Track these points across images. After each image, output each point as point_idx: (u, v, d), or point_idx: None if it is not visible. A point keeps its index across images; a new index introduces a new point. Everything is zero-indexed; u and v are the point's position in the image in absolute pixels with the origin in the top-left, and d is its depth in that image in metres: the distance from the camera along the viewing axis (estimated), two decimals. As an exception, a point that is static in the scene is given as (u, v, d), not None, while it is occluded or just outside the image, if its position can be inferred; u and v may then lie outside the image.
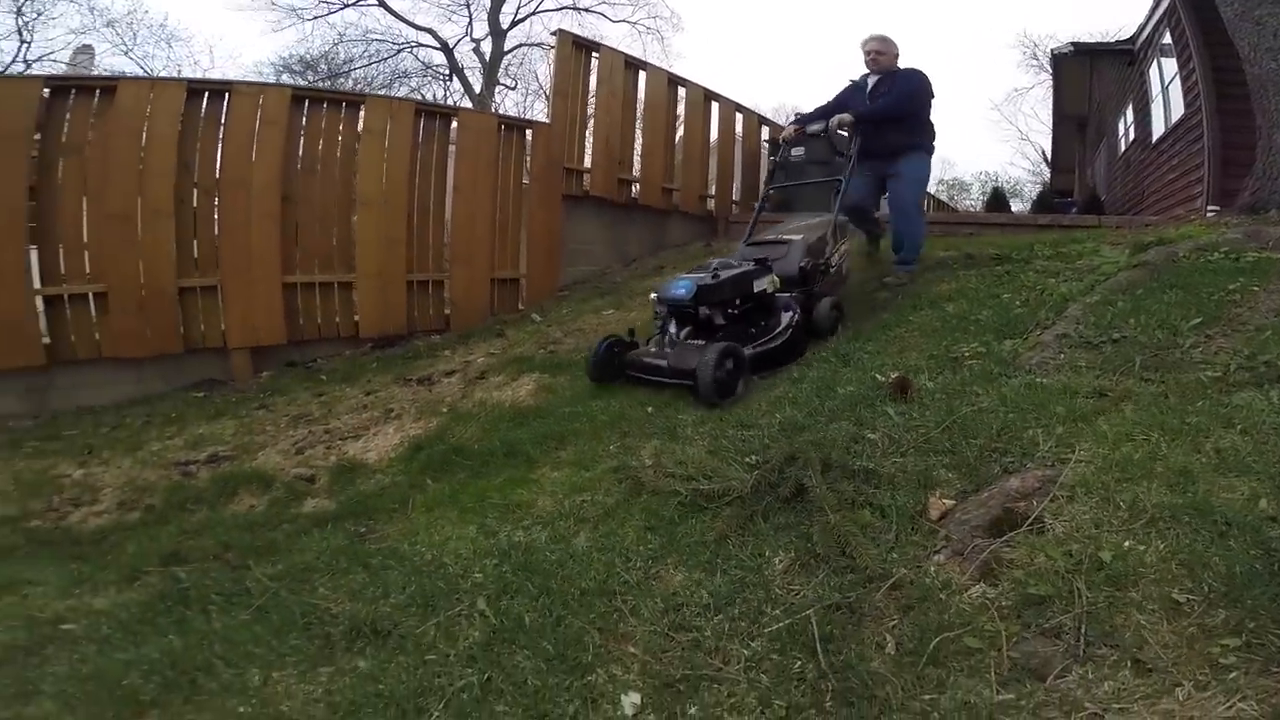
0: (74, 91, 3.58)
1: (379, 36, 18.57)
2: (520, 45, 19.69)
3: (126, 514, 2.36)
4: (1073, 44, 9.75)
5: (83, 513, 2.40)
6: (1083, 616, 1.10)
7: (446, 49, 18.84)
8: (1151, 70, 7.36)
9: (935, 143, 3.68)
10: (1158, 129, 7.10)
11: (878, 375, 2.09)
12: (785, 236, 3.24)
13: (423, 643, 1.37)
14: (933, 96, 3.56)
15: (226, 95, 3.82)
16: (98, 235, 3.54)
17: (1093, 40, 10.25)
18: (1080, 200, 11.13)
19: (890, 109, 3.42)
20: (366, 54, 18.88)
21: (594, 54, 5.33)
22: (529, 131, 5.00)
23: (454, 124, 4.62)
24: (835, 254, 3.23)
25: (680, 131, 6.33)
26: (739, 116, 6.56)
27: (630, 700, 1.18)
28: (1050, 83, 13.13)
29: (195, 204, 3.75)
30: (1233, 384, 1.67)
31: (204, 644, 1.44)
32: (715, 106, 6.18)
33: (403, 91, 18.24)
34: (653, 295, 2.86)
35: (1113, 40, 9.75)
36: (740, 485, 1.49)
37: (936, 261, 3.70)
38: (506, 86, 20.28)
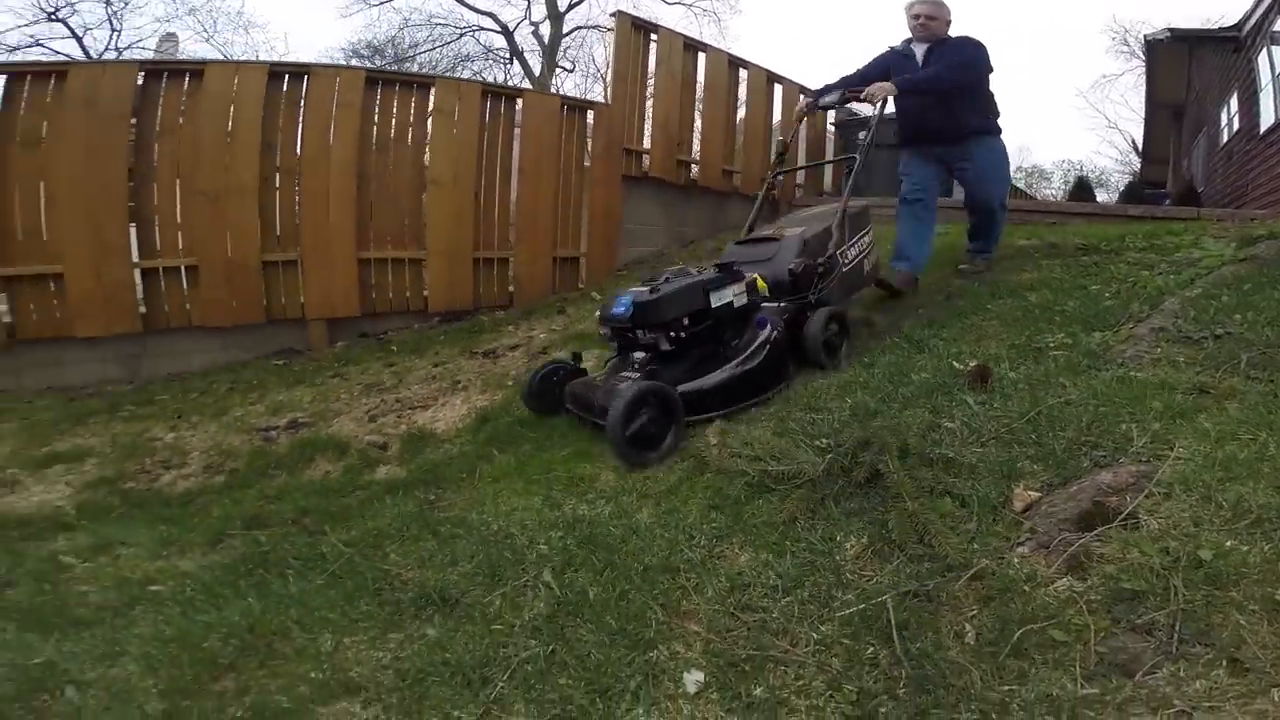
0: (166, 75, 3.75)
1: (442, 21, 18.92)
2: (578, 28, 19.72)
3: (212, 477, 2.50)
4: (1169, 30, 9.09)
5: (172, 475, 2.54)
6: (1177, 614, 1.03)
7: (507, 33, 19.07)
8: (1260, 58, 6.82)
9: (1001, 122, 3.23)
10: (1266, 120, 6.57)
11: (955, 363, 1.99)
12: (782, 231, 2.75)
13: (489, 612, 1.39)
14: (992, 70, 3.07)
15: (305, 78, 3.94)
16: (189, 213, 3.72)
17: (1189, 26, 9.52)
18: (1174, 192, 10.46)
19: (944, 78, 2.88)
20: (430, 39, 19.26)
21: (652, 36, 5.26)
22: (590, 112, 5.00)
23: (518, 105, 4.67)
24: (844, 250, 2.67)
25: (741, 114, 6.23)
26: (802, 98, 6.42)
27: (693, 678, 1.17)
28: (1143, 70, 12.36)
29: (278, 183, 3.92)
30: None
31: (281, 608, 1.50)
32: (779, 89, 6.05)
33: (465, 75, 18.60)
34: (598, 313, 2.46)
35: (1215, 26, 9.03)
36: (811, 468, 1.46)
37: (1016, 250, 3.52)
38: (565, 69, 20.41)
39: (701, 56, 5.60)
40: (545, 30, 19.16)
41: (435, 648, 1.32)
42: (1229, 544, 1.13)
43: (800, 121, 3.38)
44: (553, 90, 17.90)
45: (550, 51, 19.25)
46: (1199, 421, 1.48)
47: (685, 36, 5.60)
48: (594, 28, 19.68)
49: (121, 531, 2.07)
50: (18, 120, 3.47)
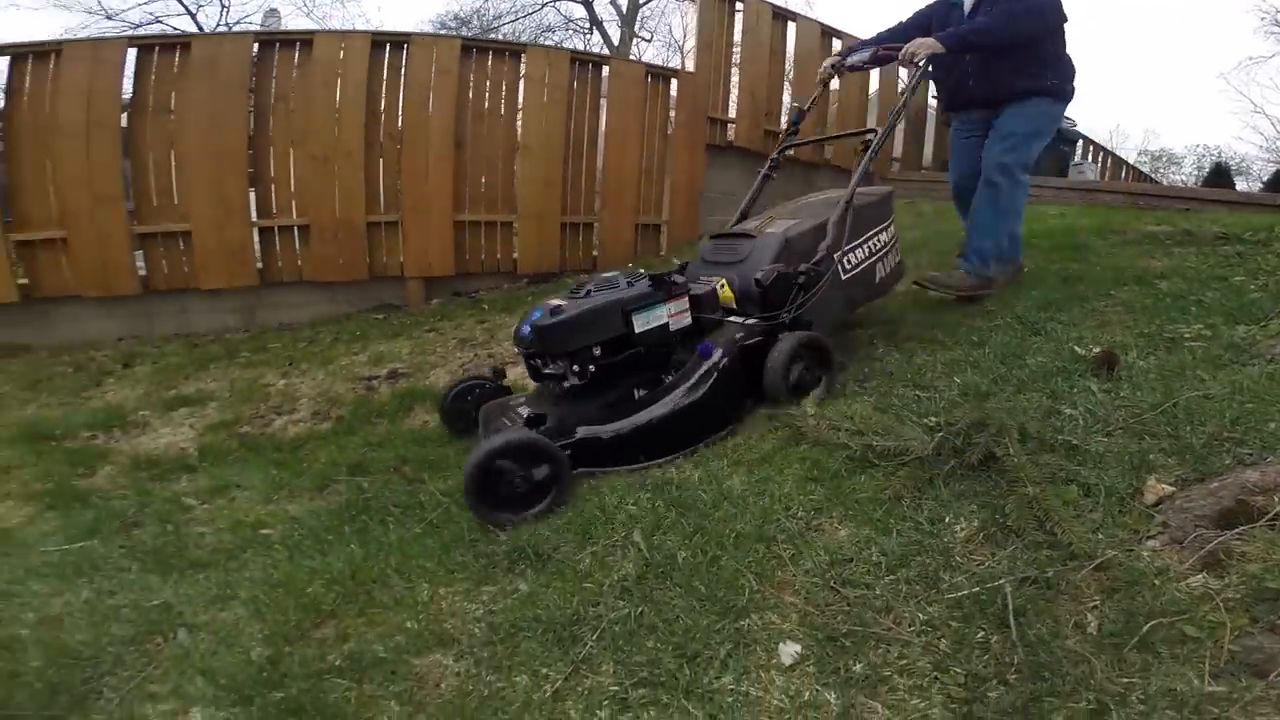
0: (278, 45, 3.94)
1: None
2: None
3: (320, 423, 2.64)
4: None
5: (284, 420, 2.71)
6: (1324, 618, 0.95)
7: (587, 3, 18.97)
8: None
9: (1071, 86, 2.54)
10: None
11: (1076, 348, 1.85)
12: (766, 225, 2.23)
13: (579, 570, 1.40)
14: (1064, 19, 2.46)
15: (405, 46, 4.06)
16: (302, 176, 3.94)
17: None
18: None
19: (997, 30, 2.32)
20: (513, 10, 19.42)
21: (738, 4, 5.10)
22: (674, 81, 4.93)
23: (605, 72, 4.65)
24: (846, 253, 2.13)
25: (835, 84, 5.97)
26: (902, 71, 6.08)
27: (789, 649, 1.15)
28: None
29: (382, 148, 4.09)
30: None
31: (381, 555, 1.55)
32: (878, 58, 5.77)
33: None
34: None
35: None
36: (919, 446, 1.39)
37: (1143, 235, 3.23)
38: (643, 39, 20.18)
39: (791, 25, 5.39)
40: (624, 0, 19.01)
41: (527, 603, 1.34)
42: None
43: (825, 85, 2.77)
44: (633, 59, 17.80)
45: (629, 21, 19.10)
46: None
47: (775, 5, 5.38)
48: (673, -1, 19.37)
49: (238, 474, 2.21)
50: (150, 90, 3.76)
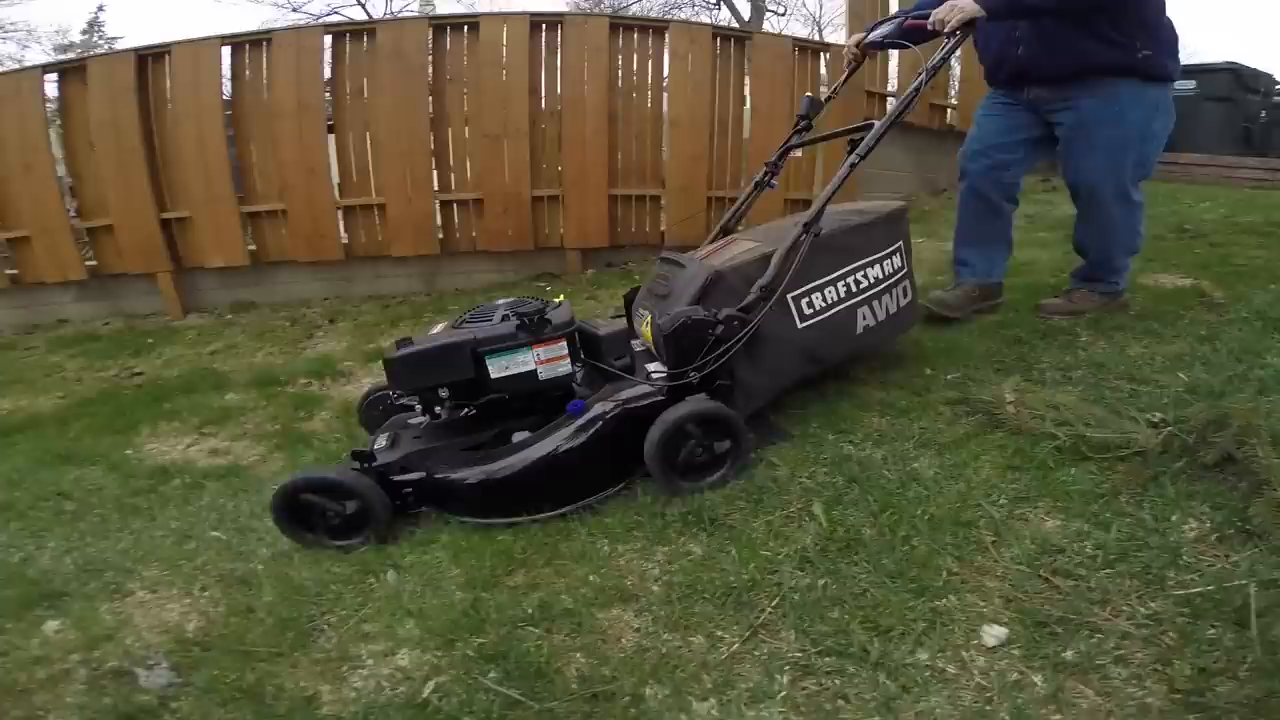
0: (449, 29, 4.20)
1: None
2: None
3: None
4: None
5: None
6: None
7: None
8: None
9: (1176, 63, 1.98)
10: None
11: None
12: (711, 253, 1.86)
13: (753, 538, 1.40)
14: None
15: (560, 26, 4.22)
16: (476, 152, 4.24)
17: None
18: None
19: None
20: None
21: None
22: (824, 55, 4.72)
23: (748, 46, 4.56)
24: (803, 295, 1.71)
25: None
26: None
27: (993, 631, 1.12)
28: None
29: (544, 125, 4.30)
30: None
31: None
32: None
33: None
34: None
35: None
36: (1143, 441, 1.32)
37: None
38: (775, 13, 19.36)
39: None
40: None
41: (700, 566, 1.36)
42: None
43: (852, 68, 2.29)
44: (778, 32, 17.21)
45: None
46: None
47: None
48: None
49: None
50: (345, 74, 4.18)
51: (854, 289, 1.80)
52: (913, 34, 2.04)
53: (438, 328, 1.74)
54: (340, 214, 4.28)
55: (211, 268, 4.32)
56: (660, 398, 1.57)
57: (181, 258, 4.32)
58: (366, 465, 1.58)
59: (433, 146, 4.22)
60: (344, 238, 4.30)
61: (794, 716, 1.04)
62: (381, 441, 1.71)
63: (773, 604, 1.25)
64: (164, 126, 4.21)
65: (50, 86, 4.27)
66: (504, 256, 4.36)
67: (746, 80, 4.56)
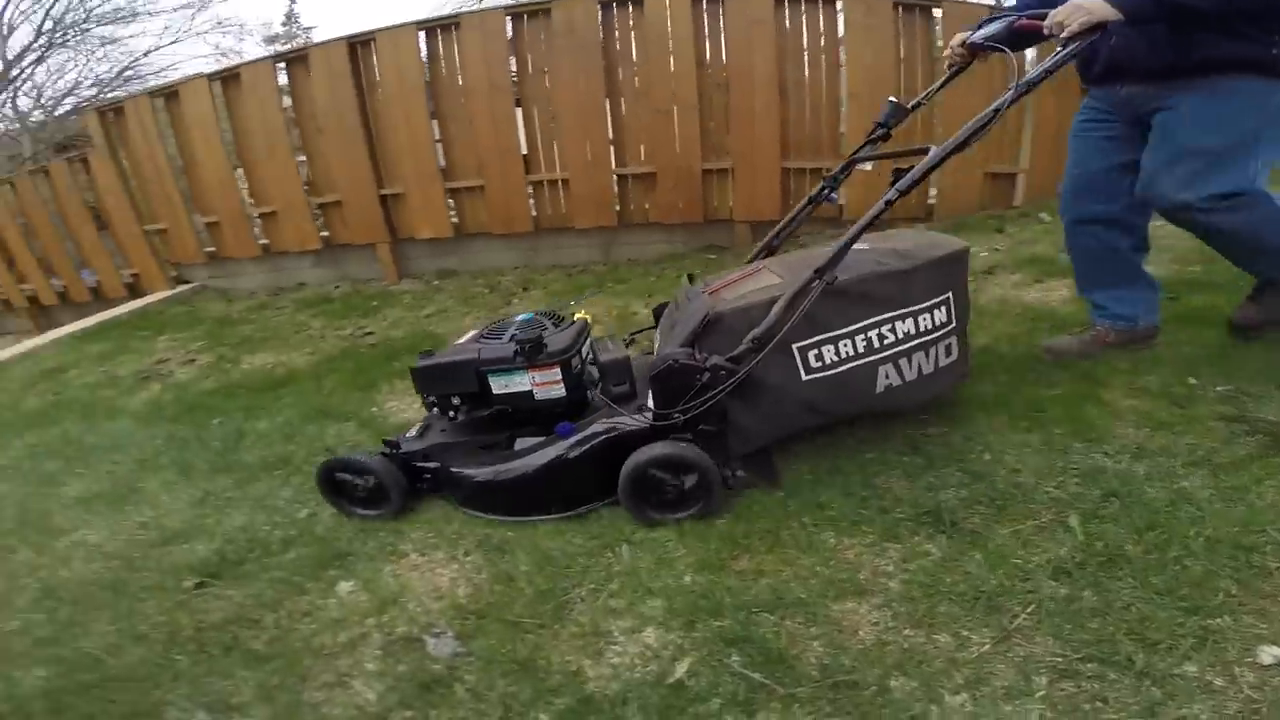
0: (615, 5, 4.24)
1: None
2: None
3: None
4: None
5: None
6: None
7: None
8: None
9: None
10: None
11: None
12: (725, 287, 1.74)
13: (999, 545, 1.38)
14: None
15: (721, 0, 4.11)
16: (648, 127, 4.32)
17: None
18: None
19: None
20: None
21: None
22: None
23: (936, 15, 4.19)
24: (811, 348, 1.58)
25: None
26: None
27: (1271, 651, 1.07)
28: None
29: (711, 99, 4.26)
30: None
31: (780, 500, 1.61)
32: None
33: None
34: None
35: None
36: None
37: None
38: None
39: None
40: None
41: (941, 567, 1.35)
42: None
43: (953, 71, 1.98)
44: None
45: None
46: None
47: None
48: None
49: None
50: (527, 53, 4.37)
51: (876, 344, 1.59)
52: (1023, 37, 1.73)
53: (464, 338, 1.89)
54: (530, 188, 4.60)
55: (421, 239, 4.85)
56: (644, 430, 1.59)
57: (396, 230, 4.88)
58: (393, 452, 1.81)
59: (610, 124, 4.37)
60: (532, 211, 4.64)
61: (1051, 714, 1.05)
62: (413, 431, 1.92)
63: (1027, 610, 1.23)
64: (376, 109, 4.69)
65: (281, 76, 4.87)
66: (674, 228, 4.47)
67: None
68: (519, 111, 4.55)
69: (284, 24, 27.70)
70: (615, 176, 4.45)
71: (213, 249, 5.51)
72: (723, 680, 1.19)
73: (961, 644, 1.20)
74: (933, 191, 4.29)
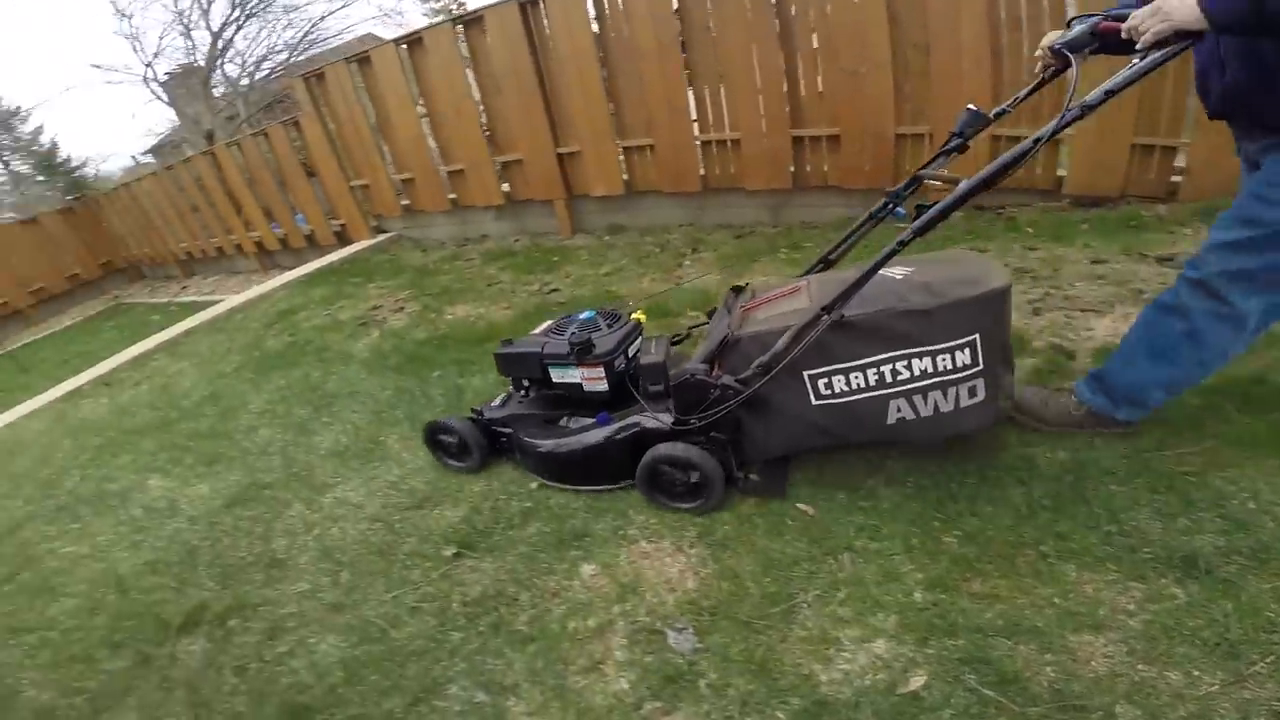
0: None
1: None
2: None
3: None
4: None
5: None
6: None
7: None
8: None
9: None
10: None
11: None
12: (753, 304, 1.92)
13: (1251, 598, 1.34)
14: None
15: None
16: (833, 88, 4.02)
17: None
18: None
19: None
20: None
21: None
22: None
23: None
24: (821, 375, 1.67)
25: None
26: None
27: None
28: None
29: (908, 59, 3.86)
30: None
31: (1017, 520, 1.62)
32: None
33: None
34: None
35: None
36: None
37: None
38: None
39: None
40: None
41: (1185, 611, 1.33)
42: None
43: (1042, 77, 1.74)
44: None
45: None
46: None
47: None
48: None
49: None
50: (694, 11, 4.17)
51: (889, 379, 1.63)
52: (1107, 40, 1.49)
53: (540, 329, 2.23)
54: (699, 147, 4.56)
55: (595, 196, 5.01)
56: (665, 429, 1.84)
57: (571, 186, 5.07)
58: (477, 417, 2.29)
59: (785, 84, 4.14)
60: (701, 170, 4.61)
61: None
62: (497, 400, 2.34)
63: (1265, 660, 1.24)
64: (550, 69, 4.79)
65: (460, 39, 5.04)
66: (853, 193, 4.25)
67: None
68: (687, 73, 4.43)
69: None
70: (792, 138, 4.26)
71: (408, 202, 6.05)
72: (956, 694, 1.27)
73: (1191, 683, 1.22)
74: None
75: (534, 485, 2.18)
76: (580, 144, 4.89)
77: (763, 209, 4.55)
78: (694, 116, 4.51)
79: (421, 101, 5.49)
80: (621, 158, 4.85)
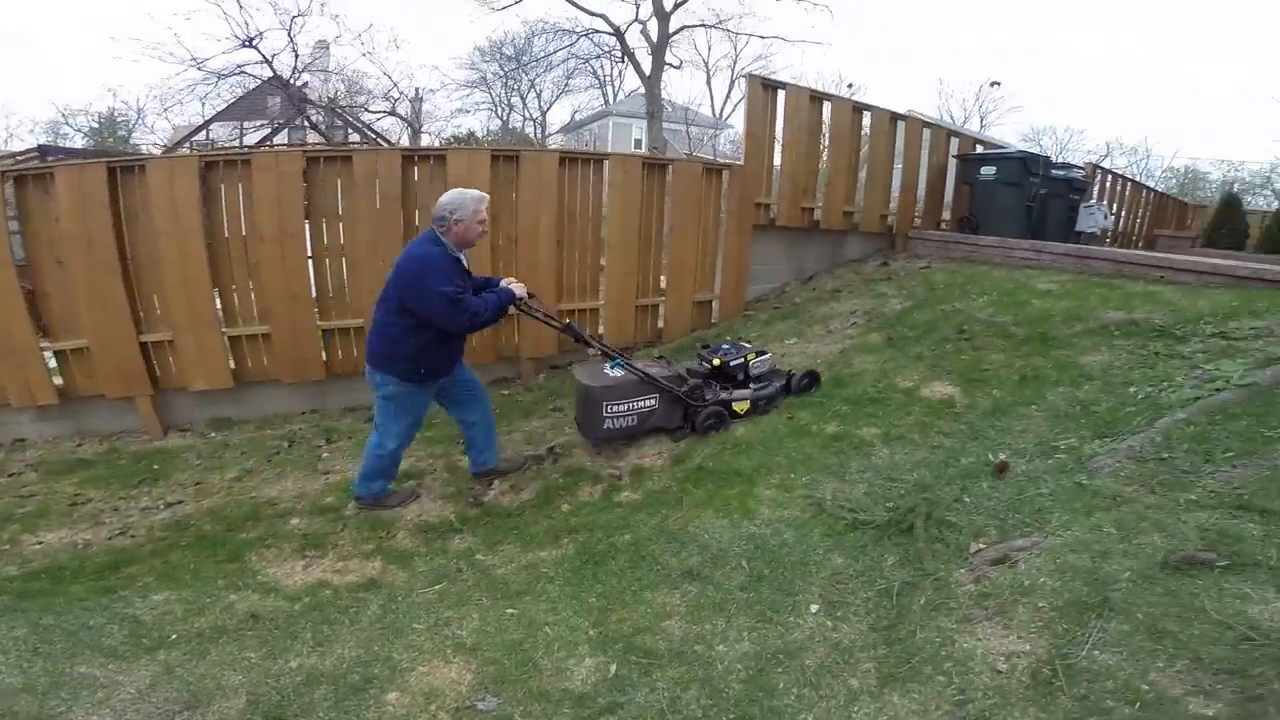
0: (417, 159, 5.72)
1: (564, 28, 24.47)
2: (684, 27, 24.05)
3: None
4: None
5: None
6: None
7: (618, 34, 23.31)
8: None
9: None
10: None
11: (991, 455, 3.57)
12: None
13: (716, 580, 3.18)
14: None
15: (516, 159, 5.84)
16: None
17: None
18: None
19: None
20: (548, 48, 25.60)
21: (780, 91, 6.82)
22: (725, 173, 6.65)
23: (669, 171, 6.39)
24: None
25: (864, 151, 7.58)
26: (926, 133, 7.73)
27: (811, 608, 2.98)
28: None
29: (499, 249, 5.87)
30: None
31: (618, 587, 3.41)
32: (901, 126, 7.41)
33: (581, 76, 26.26)
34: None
35: None
36: (881, 518, 3.20)
37: (1101, 325, 4.56)
38: (672, 66, 23.40)
39: (827, 106, 7.09)
40: (653, 29, 22.92)
41: (691, 603, 3.15)
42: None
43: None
44: (662, 88, 23.03)
45: (659, 50, 22.96)
46: (1093, 516, 2.93)
47: (811, 90, 7.08)
48: (698, 26, 24.63)
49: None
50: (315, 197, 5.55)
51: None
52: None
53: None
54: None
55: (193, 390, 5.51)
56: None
57: (159, 379, 5.48)
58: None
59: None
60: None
61: None
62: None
63: (719, 626, 3.02)
64: (137, 243, 5.20)
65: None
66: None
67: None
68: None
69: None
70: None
71: None
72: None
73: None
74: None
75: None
76: (173, 331, 5.27)
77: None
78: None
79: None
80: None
